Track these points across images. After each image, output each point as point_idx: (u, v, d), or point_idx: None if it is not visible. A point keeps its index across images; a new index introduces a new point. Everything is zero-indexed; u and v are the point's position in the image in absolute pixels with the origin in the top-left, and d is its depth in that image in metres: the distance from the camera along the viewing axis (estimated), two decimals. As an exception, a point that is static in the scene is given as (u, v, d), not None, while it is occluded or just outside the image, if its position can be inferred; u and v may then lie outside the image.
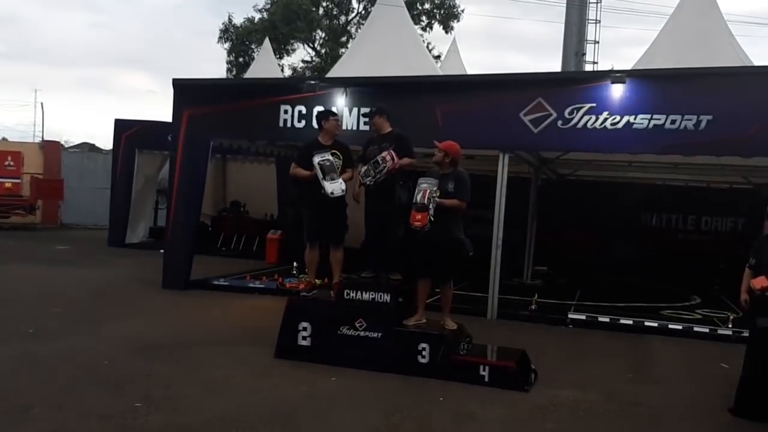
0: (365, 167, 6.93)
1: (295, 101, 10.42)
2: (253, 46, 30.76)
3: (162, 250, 11.62)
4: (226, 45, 32.24)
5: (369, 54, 14.71)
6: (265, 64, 19.84)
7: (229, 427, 4.92)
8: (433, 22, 32.00)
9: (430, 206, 6.42)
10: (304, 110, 10.34)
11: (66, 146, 26.45)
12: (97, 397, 5.45)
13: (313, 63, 32.33)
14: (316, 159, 7.04)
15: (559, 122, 9.13)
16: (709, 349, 8.43)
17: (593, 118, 8.99)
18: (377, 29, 15.77)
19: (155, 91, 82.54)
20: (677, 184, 14.72)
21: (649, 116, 8.75)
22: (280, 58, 30.35)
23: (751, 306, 6.52)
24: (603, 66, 17.90)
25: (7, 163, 19.53)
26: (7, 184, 19.44)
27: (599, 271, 14.40)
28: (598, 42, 18.03)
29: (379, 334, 6.68)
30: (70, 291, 10.31)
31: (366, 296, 6.80)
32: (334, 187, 6.98)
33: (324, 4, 32.24)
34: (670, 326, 9.40)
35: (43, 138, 27.94)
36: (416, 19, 29.44)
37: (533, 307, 10.08)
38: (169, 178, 11.46)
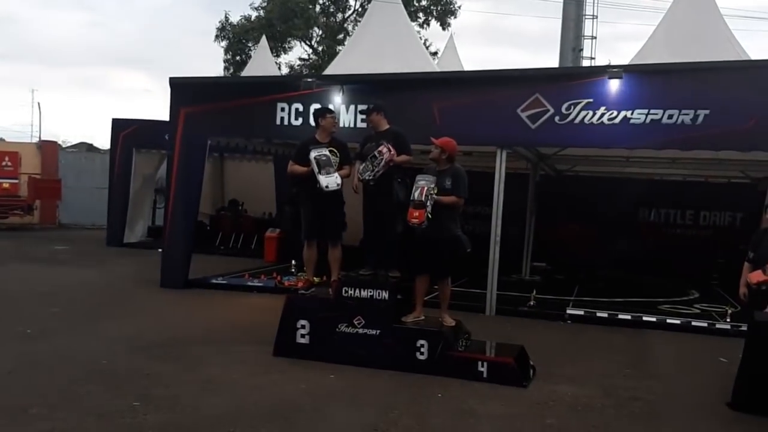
0: (363, 164, 6.93)
1: (292, 99, 10.41)
2: (249, 44, 30.75)
3: (160, 250, 11.62)
4: (223, 43, 32.26)
5: (366, 51, 14.70)
6: (262, 62, 19.85)
7: (227, 425, 4.92)
8: (429, 18, 31.98)
9: (428, 203, 6.41)
10: (301, 108, 10.34)
11: (63, 146, 26.43)
12: (95, 396, 5.45)
13: (310, 60, 32.32)
14: (313, 153, 7.04)
15: (557, 118, 9.13)
16: (707, 344, 8.44)
17: (590, 113, 8.99)
18: (374, 26, 15.76)
19: (152, 90, 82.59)
20: (675, 179, 14.74)
21: (646, 111, 8.76)
22: (277, 56, 30.33)
23: (750, 300, 6.56)
24: (600, 61, 17.87)
25: (4, 163, 19.53)
26: (4, 185, 19.43)
27: (598, 267, 14.41)
28: (595, 37, 18.01)
29: (378, 332, 6.68)
30: (68, 291, 10.30)
31: (364, 294, 6.79)
32: (329, 180, 6.97)
33: (321, 1, 32.24)
34: (669, 321, 9.42)
35: (40, 138, 27.92)
36: (413, 16, 29.42)
37: (532, 303, 10.09)
38: (167, 177, 11.46)
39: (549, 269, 14.51)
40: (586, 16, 17.94)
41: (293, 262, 12.12)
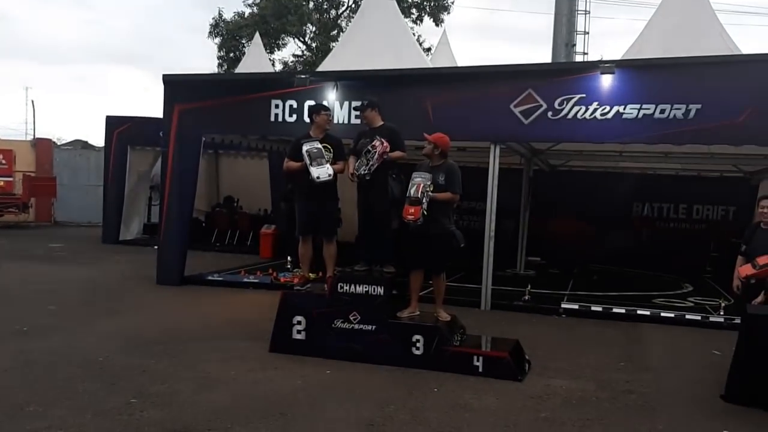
0: (358, 160, 6.95)
1: (286, 96, 10.41)
2: (243, 41, 30.70)
3: (156, 247, 11.62)
4: (217, 40, 32.22)
5: (359, 47, 14.71)
6: (256, 59, 19.83)
7: (224, 421, 4.95)
8: (423, 14, 32.01)
9: (424, 200, 6.45)
10: (295, 104, 10.35)
11: (58, 144, 26.36)
12: (92, 393, 5.47)
13: (304, 57, 32.28)
14: (305, 147, 7.08)
15: (550, 113, 9.17)
16: (700, 337, 8.49)
17: (583, 108, 9.03)
18: (367, 22, 15.76)
19: (147, 87, 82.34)
20: (668, 174, 14.80)
21: (638, 106, 8.80)
22: (271, 52, 30.30)
23: (742, 293, 6.62)
24: (593, 57, 17.91)
25: (-1, 161, 19.51)
26: (-1, 183, 19.42)
27: (592, 261, 14.50)
28: (587, 33, 18.03)
29: (373, 327, 6.72)
30: (64, 288, 10.30)
31: (360, 289, 6.82)
32: (320, 171, 6.99)
33: (314, -3, 32.20)
34: (663, 314, 9.47)
35: (34, 136, 27.86)
36: (406, 12, 29.45)
37: (526, 297, 10.14)
38: (162, 174, 11.46)
39: (543, 264, 14.58)
40: (579, 12, 17.95)
41: (289, 258, 12.15)
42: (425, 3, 31.87)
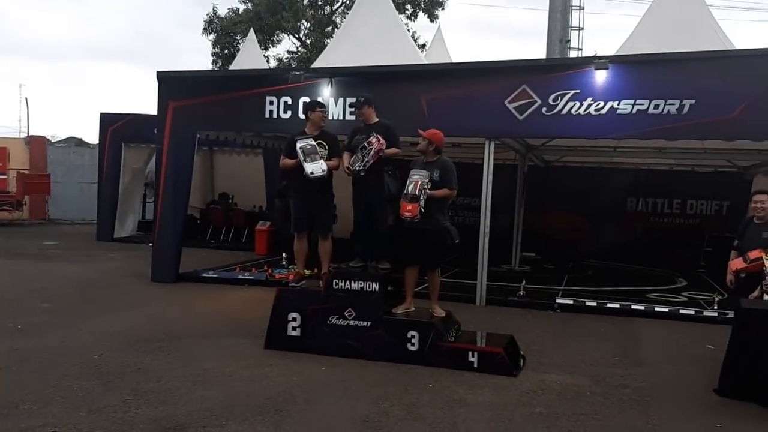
0: (354, 156, 6.95)
1: (281, 92, 10.41)
2: (238, 38, 30.62)
3: (151, 244, 11.61)
4: (211, 37, 32.09)
5: (354, 44, 14.66)
6: (251, 56, 19.77)
7: (219, 418, 4.95)
8: (417, 10, 31.93)
9: (421, 197, 6.47)
10: (289, 101, 10.35)
11: (52, 141, 26.28)
12: (87, 391, 5.46)
13: (299, 53, 32.20)
14: (299, 144, 7.10)
15: (544, 109, 9.19)
16: (694, 331, 8.52)
17: (577, 104, 9.05)
18: (362, 19, 15.71)
19: (142, 84, 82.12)
20: (662, 169, 14.84)
21: (632, 101, 8.82)
22: (266, 49, 30.20)
23: (736, 287, 6.65)
24: (587, 52, 17.87)
25: (-8, 159, 19.44)
26: (-7, 181, 19.36)
27: (586, 256, 14.55)
28: (582, 28, 18.01)
29: (369, 323, 6.72)
30: (59, 286, 10.29)
31: (355, 286, 6.82)
32: (314, 167, 7.00)
33: (309, -6, 32.11)
34: (657, 309, 9.51)
35: (28, 133, 27.77)
36: (401, 8, 29.39)
37: (521, 293, 10.15)
38: (156, 171, 11.44)
39: (538, 259, 14.61)
40: (573, 8, 17.93)
41: (284, 255, 12.14)
42: (419, -1, 31.82)
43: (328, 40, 26.02)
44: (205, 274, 11.46)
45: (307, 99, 9.51)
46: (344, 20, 23.46)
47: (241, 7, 31.81)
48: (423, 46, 26.67)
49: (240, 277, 11.44)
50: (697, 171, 14.72)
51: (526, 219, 14.06)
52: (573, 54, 17.18)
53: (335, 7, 32.70)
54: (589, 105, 9.00)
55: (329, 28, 31.47)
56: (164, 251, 11.02)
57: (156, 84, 11.18)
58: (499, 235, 11.50)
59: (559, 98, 9.10)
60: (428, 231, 6.58)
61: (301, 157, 7.03)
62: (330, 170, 7.18)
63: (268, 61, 27.93)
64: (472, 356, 6.44)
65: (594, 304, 9.72)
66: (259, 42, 23.88)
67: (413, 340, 6.58)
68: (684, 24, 12.63)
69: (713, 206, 15.09)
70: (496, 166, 9.85)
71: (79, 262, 12.96)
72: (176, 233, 11.14)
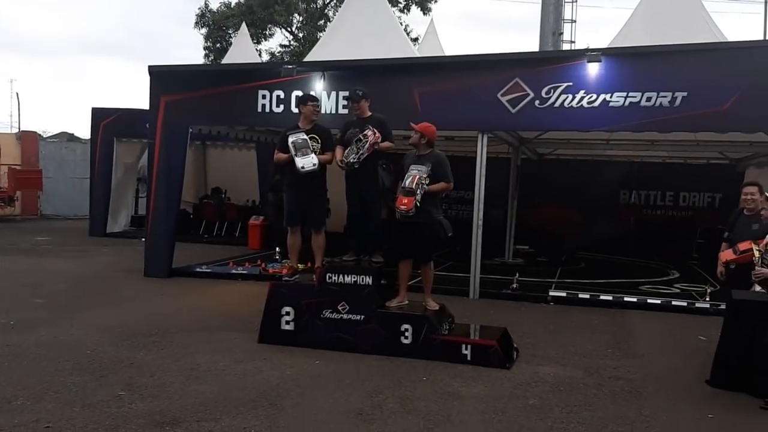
0: (348, 148, 6.94)
1: (273, 86, 10.38)
2: (230, 32, 30.51)
3: (143, 239, 11.58)
4: (203, 30, 31.99)
5: (346, 37, 14.64)
6: (243, 50, 19.72)
7: (213, 412, 4.96)
8: (410, 3, 31.88)
9: (418, 191, 6.47)
10: (282, 95, 10.32)
11: (44, 136, 26.17)
12: (80, 386, 5.45)
13: (291, 47, 32.14)
14: (290, 138, 7.10)
15: (537, 102, 9.19)
16: (687, 323, 8.57)
17: (570, 97, 9.06)
18: (354, 12, 15.68)
19: (135, 79, 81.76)
20: (655, 161, 14.89)
21: (624, 94, 8.83)
22: (258, 43, 30.12)
23: (726, 279, 6.68)
24: (580, 45, 17.86)
25: (-17, 155, 19.35)
26: (-17, 177, 19.27)
27: (579, 249, 14.58)
28: (575, 21, 18.00)
29: (362, 317, 6.73)
30: (51, 282, 10.25)
31: (348, 279, 6.83)
32: (305, 161, 7.00)
33: (301, -13, 32.01)
34: (649, 301, 9.55)
35: (19, 128, 27.64)
36: (393, 1, 29.31)
37: (515, 285, 10.17)
38: (148, 166, 11.41)
39: (531, 252, 14.64)
40: (566, 1, 17.92)
41: (277, 249, 12.14)
42: (412, -9, 31.76)
43: (321, 34, 25.97)
44: (198, 269, 11.44)
45: (299, 93, 9.50)
46: (337, 14, 23.40)
47: (233, 1, 31.74)
48: (416, 39, 26.63)
49: (233, 271, 11.43)
50: (690, 163, 14.76)
51: (520, 212, 14.08)
52: (566, 47, 17.17)
53: (327, 1, 32.62)
54: (582, 98, 9.01)
55: (322, 22, 31.39)
56: (157, 246, 11.00)
57: (148, 78, 11.13)
58: (492, 228, 11.54)
59: (552, 91, 9.11)
60: (421, 224, 6.59)
61: (293, 152, 7.02)
62: (323, 164, 7.18)
63: (260, 55, 27.89)
64: (466, 349, 6.45)
65: (587, 296, 9.74)
66: (251, 36, 23.82)
67: (407, 334, 6.59)
68: (676, 16, 12.66)
69: (706, 198, 15.15)
70: (489, 159, 9.85)
71: (71, 258, 12.92)
72: (169, 228, 11.11)
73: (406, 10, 31.83)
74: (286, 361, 6.32)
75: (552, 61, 9.65)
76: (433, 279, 7.10)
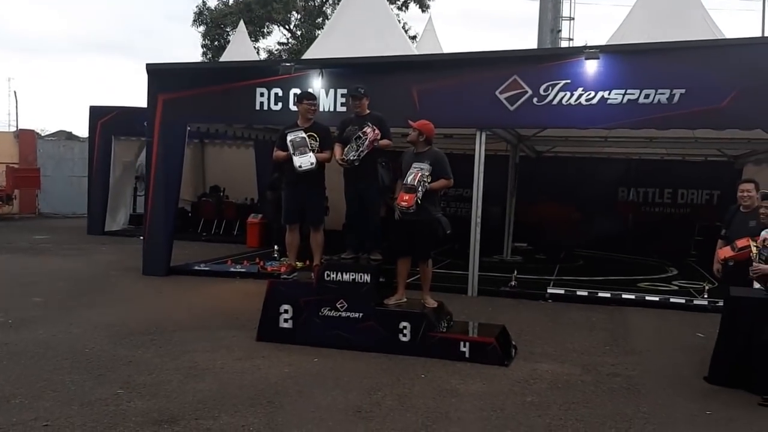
0: (348, 146, 6.94)
1: (271, 84, 10.37)
2: (228, 29, 30.48)
3: (142, 237, 11.57)
4: (201, 28, 31.95)
5: (345, 35, 14.64)
6: (241, 47, 19.72)
7: (211, 410, 4.95)
8: (408, 1, 31.86)
9: (420, 189, 6.48)
10: (280, 93, 10.31)
11: (42, 134, 26.13)
12: (78, 384, 5.45)
13: (289, 45, 32.10)
14: (289, 137, 7.11)
15: (535, 99, 9.19)
16: (685, 320, 8.57)
17: (568, 94, 9.06)
18: (352, 10, 15.68)
19: (131, 77, 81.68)
20: (653, 158, 14.89)
21: (623, 91, 8.84)
22: (256, 40, 30.09)
23: (724, 276, 6.69)
24: (578, 42, 17.86)
25: (-20, 153, 19.33)
26: (-19, 175, 19.25)
27: (578, 246, 14.60)
28: (573, 18, 18.01)
29: (361, 314, 6.73)
30: (50, 280, 10.24)
31: (346, 277, 6.83)
32: (303, 160, 7.01)
33: (299, -16, 31.97)
34: (647, 298, 9.55)
35: (17, 127, 27.60)
36: (392, -1, 29.31)
37: (513, 283, 10.18)
38: (146, 164, 11.40)
39: (530, 249, 14.64)
40: (564, -2, 17.91)
41: (276, 247, 12.13)
42: (411, -11, 31.73)
43: (319, 32, 25.94)
44: (196, 267, 11.43)
45: (298, 90, 9.48)
46: (335, 11, 23.38)
47: (231, -1, 31.69)
48: (414, 37, 26.61)
49: (232, 269, 11.41)
50: (688, 160, 14.78)
51: (518, 209, 14.08)
52: (564, 44, 17.18)
53: (326, -2, 32.60)
54: (580, 95, 9.01)
55: (320, 20, 31.35)
56: (155, 244, 10.99)
57: (146, 76, 11.12)
58: (490, 226, 11.54)
59: (550, 88, 9.10)
60: (420, 222, 6.59)
61: (291, 151, 7.02)
62: (321, 162, 7.17)
63: (258, 53, 27.83)
64: (464, 346, 6.45)
65: (585, 293, 9.75)
66: (249, 33, 23.80)
67: (405, 331, 6.59)
68: (674, 14, 12.67)
69: (704, 195, 15.16)
70: (487, 156, 9.85)
71: (70, 256, 12.91)
72: (167, 226, 11.11)
73: (404, 8, 31.82)
74: (284, 359, 6.32)
75: (550, 59, 9.65)
76: (432, 276, 7.12)
